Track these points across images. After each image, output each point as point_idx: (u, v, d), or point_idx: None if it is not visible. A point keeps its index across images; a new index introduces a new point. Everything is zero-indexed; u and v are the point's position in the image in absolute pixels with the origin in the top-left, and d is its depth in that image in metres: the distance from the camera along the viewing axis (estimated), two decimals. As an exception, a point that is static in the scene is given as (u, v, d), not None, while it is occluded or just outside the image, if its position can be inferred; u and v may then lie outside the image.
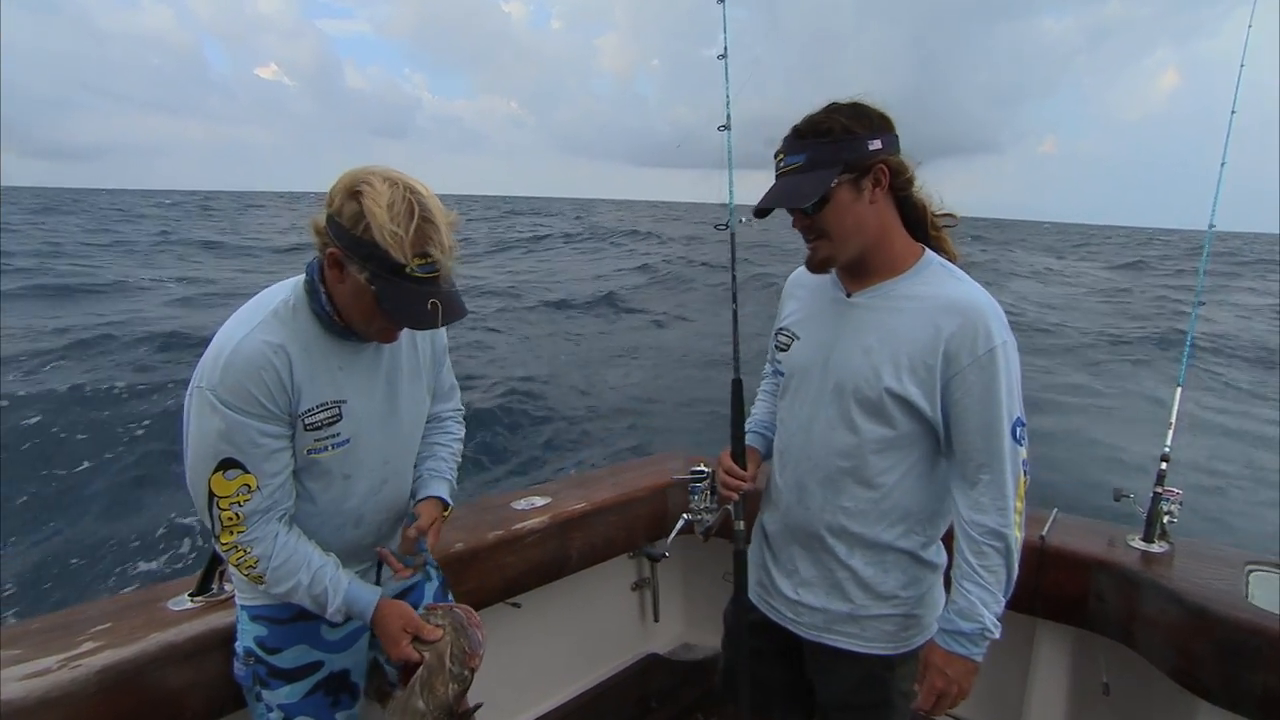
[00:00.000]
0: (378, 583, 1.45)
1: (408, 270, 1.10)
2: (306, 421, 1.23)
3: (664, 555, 1.62)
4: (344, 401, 1.27)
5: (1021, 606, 1.97)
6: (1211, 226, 2.14)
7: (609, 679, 2.54)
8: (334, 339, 1.26)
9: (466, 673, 1.33)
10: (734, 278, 1.56)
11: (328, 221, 1.15)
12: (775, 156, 1.27)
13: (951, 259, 1.31)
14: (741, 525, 1.48)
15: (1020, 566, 1.87)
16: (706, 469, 1.56)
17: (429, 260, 1.12)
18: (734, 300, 1.54)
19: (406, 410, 1.40)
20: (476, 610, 1.59)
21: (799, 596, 1.40)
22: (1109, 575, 1.78)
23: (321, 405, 1.24)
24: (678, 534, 1.60)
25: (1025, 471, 1.23)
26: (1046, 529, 1.95)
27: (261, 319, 1.20)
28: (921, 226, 1.31)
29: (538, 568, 2.13)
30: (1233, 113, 2.06)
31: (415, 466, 1.51)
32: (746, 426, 1.52)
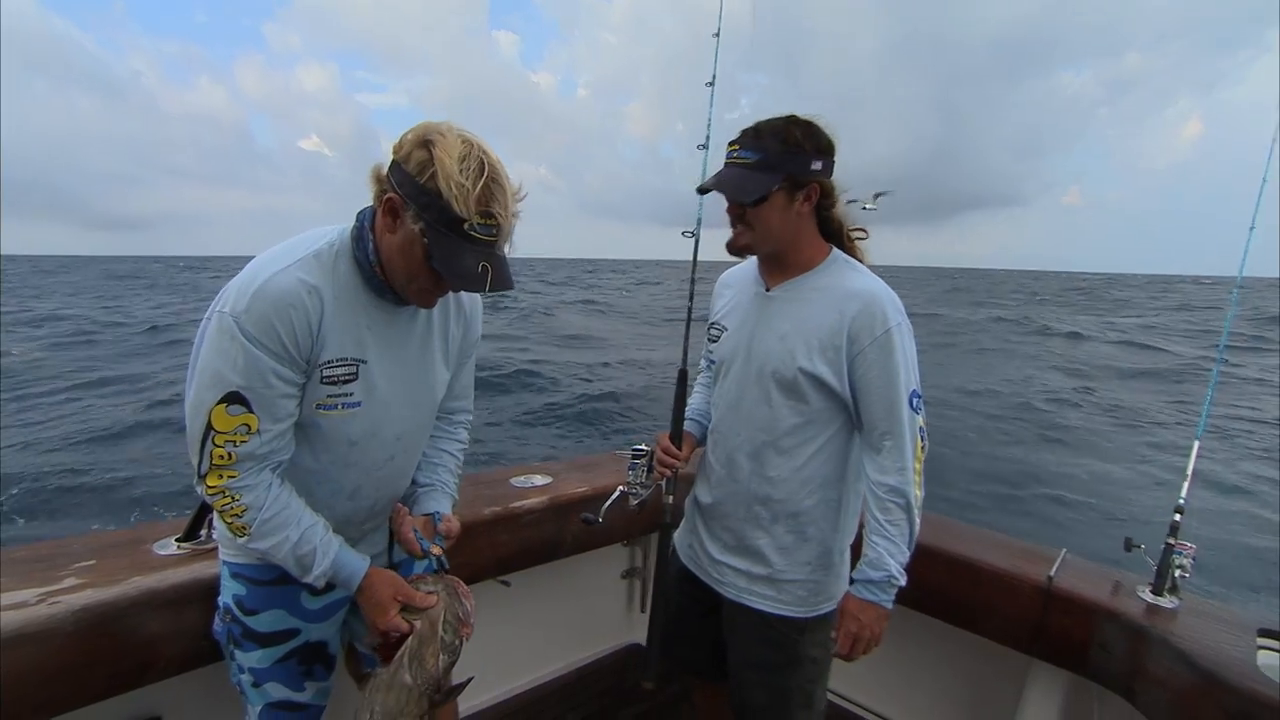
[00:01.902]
0: (390, 564, 1.39)
1: (466, 226, 1.06)
2: (325, 373, 1.16)
3: (598, 521, 1.67)
4: (364, 362, 1.20)
5: (1019, 644, 1.93)
6: (1239, 285, 2.13)
7: (589, 665, 2.53)
8: (370, 296, 1.19)
9: (458, 642, 1.25)
10: (693, 280, 1.70)
11: (391, 168, 1.10)
12: (729, 145, 1.39)
13: (862, 263, 1.47)
14: (671, 500, 1.64)
15: (1024, 605, 1.85)
16: (647, 448, 1.69)
17: (490, 221, 1.07)
18: (690, 300, 1.69)
19: (427, 389, 1.34)
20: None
21: (724, 559, 1.55)
22: (1117, 626, 1.73)
23: (342, 359, 1.17)
24: (612, 504, 1.68)
25: (923, 437, 1.39)
26: (1054, 570, 1.90)
27: (301, 257, 1.13)
28: (838, 238, 1.48)
29: (532, 548, 2.10)
30: (1264, 180, 2.04)
31: (420, 469, 1.44)
32: (685, 414, 1.68)
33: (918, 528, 1.38)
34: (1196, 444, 1.98)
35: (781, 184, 1.34)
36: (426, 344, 1.31)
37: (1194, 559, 1.85)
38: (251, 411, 1.10)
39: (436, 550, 1.32)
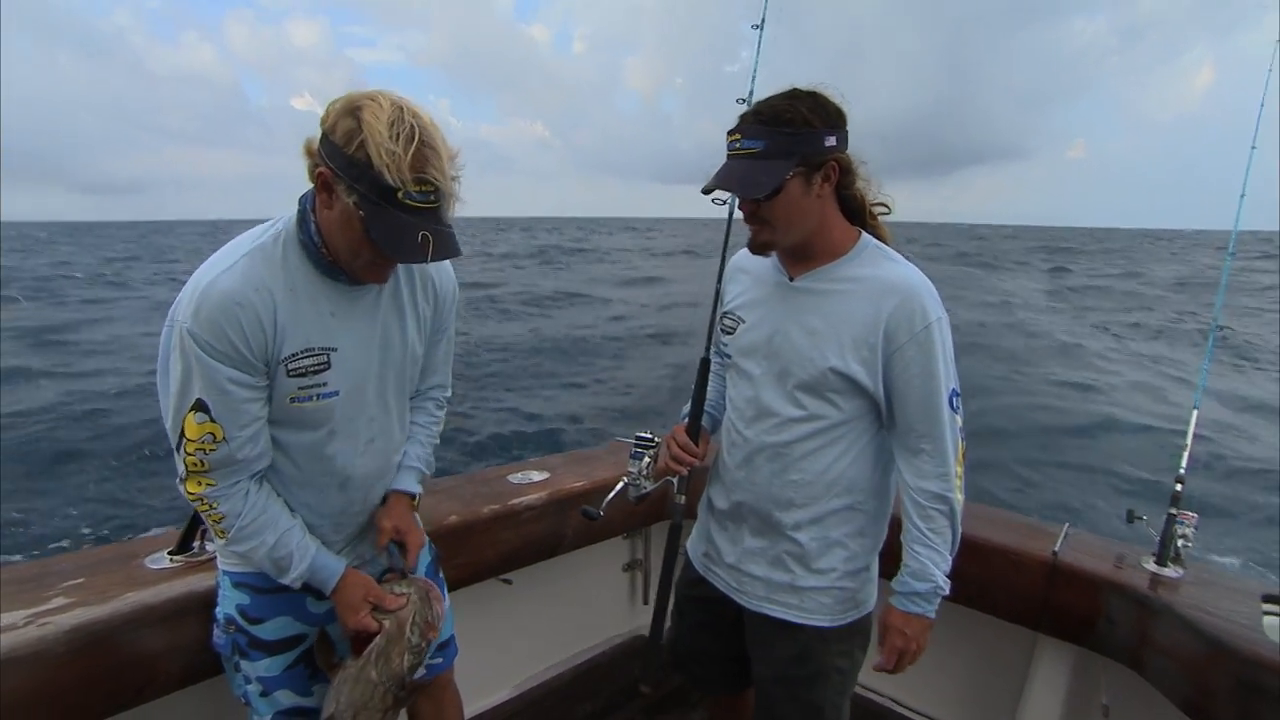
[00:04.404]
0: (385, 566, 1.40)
1: (401, 195, 1.00)
2: (290, 367, 1.14)
3: (599, 515, 1.58)
4: (334, 349, 1.18)
5: (1026, 620, 1.93)
6: (1230, 254, 2.14)
7: (594, 659, 2.51)
8: (326, 281, 1.16)
9: (424, 644, 1.30)
10: (724, 258, 1.55)
11: (321, 141, 1.04)
12: (729, 135, 1.26)
13: (886, 243, 1.36)
14: (683, 499, 1.51)
15: (1029, 581, 1.85)
16: (652, 437, 1.59)
17: (426, 188, 1.02)
18: (719, 280, 1.54)
19: (401, 369, 1.31)
20: (467, 585, 1.52)
21: (743, 566, 1.44)
22: (1122, 598, 1.73)
23: (308, 350, 1.15)
24: (614, 497, 1.59)
25: (962, 438, 1.31)
26: (1059, 545, 1.90)
27: (246, 253, 1.11)
28: (859, 215, 1.37)
29: (533, 545, 2.07)
30: (1253, 148, 2.04)
31: None
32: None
33: (960, 534, 1.30)
34: (1195, 413, 1.98)
35: (796, 169, 1.22)
36: (398, 322, 1.28)
37: (1196, 527, 1.86)
38: (215, 420, 1.09)
39: (408, 566, 1.36)
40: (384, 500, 1.38)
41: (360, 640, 1.26)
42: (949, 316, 1.29)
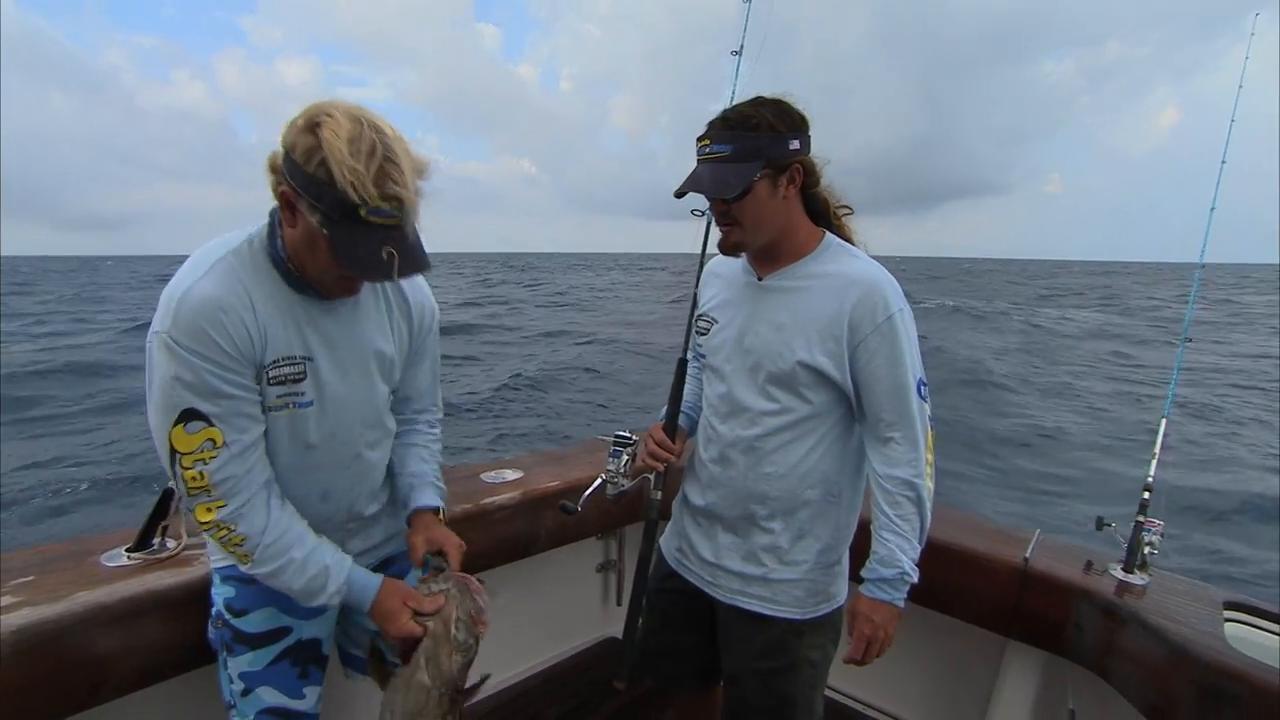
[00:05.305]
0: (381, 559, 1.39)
1: (364, 212, 0.98)
2: (270, 374, 1.11)
3: (577, 510, 1.61)
4: (311, 359, 1.15)
5: (996, 626, 1.94)
6: (1200, 267, 2.18)
7: (566, 660, 2.49)
8: (297, 295, 1.14)
9: (473, 640, 1.25)
10: (700, 265, 1.59)
11: (283, 158, 1.02)
12: (699, 141, 1.31)
13: (851, 243, 1.41)
14: (659, 496, 1.54)
15: (1000, 586, 1.86)
16: (631, 436, 1.63)
17: (390, 203, 0.99)
18: (696, 284, 1.58)
19: (379, 383, 1.29)
20: None
21: (718, 560, 1.46)
22: (1090, 604, 1.75)
23: (288, 358, 1.12)
24: (592, 493, 1.61)
25: (932, 426, 1.34)
26: (1030, 551, 1.92)
27: (220, 257, 1.08)
28: (824, 216, 1.41)
29: (505, 545, 2.05)
30: (1223, 163, 2.10)
31: (402, 467, 1.42)
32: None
33: (929, 522, 1.32)
34: (1164, 422, 2.01)
35: (763, 171, 1.27)
36: (374, 335, 1.26)
37: (1162, 534, 1.89)
38: (212, 425, 1.05)
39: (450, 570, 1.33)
40: (409, 523, 1.38)
41: (407, 647, 1.23)
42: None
